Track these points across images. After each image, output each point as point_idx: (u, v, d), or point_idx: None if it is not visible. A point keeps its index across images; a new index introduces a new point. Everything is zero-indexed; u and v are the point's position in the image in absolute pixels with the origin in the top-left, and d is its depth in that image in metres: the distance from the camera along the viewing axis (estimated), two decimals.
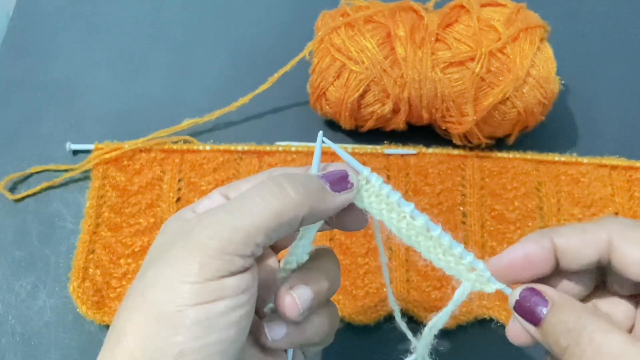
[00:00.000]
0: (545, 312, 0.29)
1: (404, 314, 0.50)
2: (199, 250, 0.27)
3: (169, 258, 0.28)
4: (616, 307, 0.32)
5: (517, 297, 0.30)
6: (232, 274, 0.28)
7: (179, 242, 0.28)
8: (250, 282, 0.29)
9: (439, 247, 0.32)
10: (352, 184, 0.33)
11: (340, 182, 0.32)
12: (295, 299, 0.31)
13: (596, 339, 0.27)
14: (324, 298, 0.33)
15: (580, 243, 0.30)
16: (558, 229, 0.32)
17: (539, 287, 0.30)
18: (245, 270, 0.28)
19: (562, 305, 0.29)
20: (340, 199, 0.32)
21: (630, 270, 0.29)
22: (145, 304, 0.27)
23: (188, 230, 0.29)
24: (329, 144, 0.34)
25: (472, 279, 0.32)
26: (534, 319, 0.30)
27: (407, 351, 0.35)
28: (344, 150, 0.35)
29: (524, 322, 0.30)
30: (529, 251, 0.31)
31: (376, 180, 0.34)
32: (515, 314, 0.30)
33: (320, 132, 0.35)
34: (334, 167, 0.34)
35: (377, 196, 0.33)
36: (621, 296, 0.32)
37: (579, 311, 0.29)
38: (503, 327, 0.32)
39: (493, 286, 0.32)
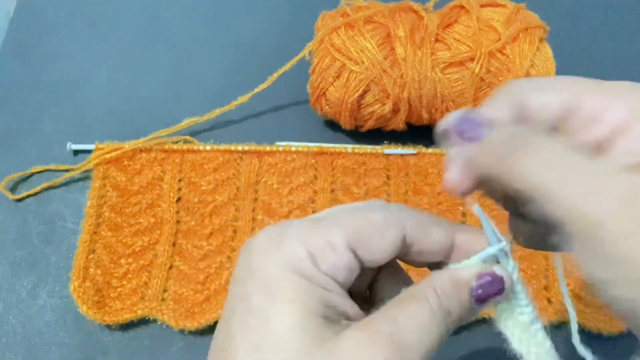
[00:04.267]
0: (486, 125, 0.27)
1: None
2: None
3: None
4: None
5: (458, 119, 0.28)
6: None
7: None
8: None
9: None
10: (502, 296, 0.28)
11: (491, 296, 0.28)
12: None
13: (542, 140, 0.25)
14: None
15: (551, 98, 0.29)
16: (524, 85, 0.30)
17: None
18: None
19: (498, 124, 0.27)
20: (480, 310, 0.28)
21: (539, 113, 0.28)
22: None
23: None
24: (480, 215, 0.30)
25: None
26: (475, 135, 0.27)
27: None
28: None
29: (463, 143, 0.28)
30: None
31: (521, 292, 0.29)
32: (455, 137, 0.28)
33: (476, 205, 0.30)
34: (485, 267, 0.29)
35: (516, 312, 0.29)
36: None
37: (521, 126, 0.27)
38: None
39: None
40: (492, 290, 0.28)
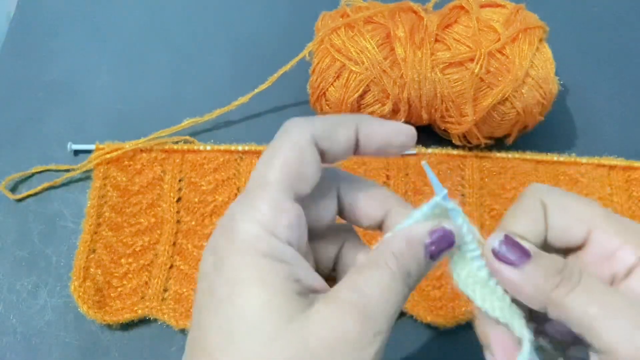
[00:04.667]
0: (529, 255, 0.30)
1: (403, 314, 0.50)
2: None
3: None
4: None
5: (496, 245, 0.30)
6: None
7: None
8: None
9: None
10: (453, 246, 0.30)
11: (443, 250, 0.30)
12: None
13: (585, 276, 0.28)
14: None
15: (530, 224, 0.31)
16: (503, 220, 0.32)
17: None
18: None
19: (545, 253, 0.30)
20: (434, 265, 0.30)
21: (556, 239, 0.31)
22: None
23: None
24: (428, 171, 0.32)
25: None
26: (518, 260, 0.29)
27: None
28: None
29: (504, 268, 0.30)
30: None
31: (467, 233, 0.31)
32: (494, 260, 0.30)
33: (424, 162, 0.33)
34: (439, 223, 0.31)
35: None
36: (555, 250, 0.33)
37: (561, 257, 0.30)
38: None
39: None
40: (444, 244, 0.30)
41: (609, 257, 0.30)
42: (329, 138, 0.31)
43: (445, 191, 0.31)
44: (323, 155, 0.31)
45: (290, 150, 0.30)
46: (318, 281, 0.29)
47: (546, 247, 0.32)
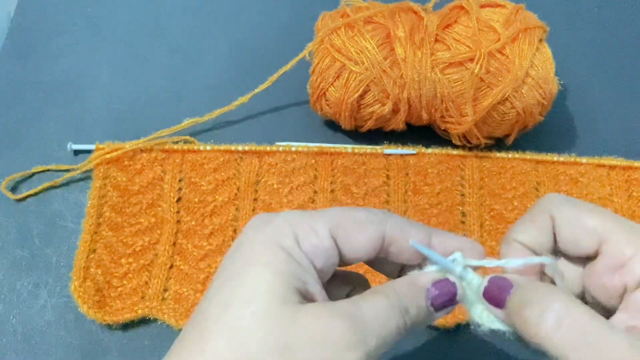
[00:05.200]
0: (510, 293, 0.31)
1: None
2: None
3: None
4: (566, 267, 0.34)
5: (486, 284, 0.32)
6: None
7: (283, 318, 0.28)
8: None
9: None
10: (457, 302, 0.32)
11: (447, 303, 0.31)
12: None
13: (555, 308, 0.28)
14: None
15: (538, 233, 0.32)
16: (516, 229, 0.33)
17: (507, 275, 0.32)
18: None
19: (523, 285, 0.31)
20: (438, 318, 0.32)
21: (567, 250, 0.32)
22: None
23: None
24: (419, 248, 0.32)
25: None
26: (500, 302, 0.31)
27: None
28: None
29: (492, 308, 0.31)
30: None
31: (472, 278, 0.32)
32: (484, 301, 0.32)
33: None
34: (440, 263, 0.32)
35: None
36: (569, 258, 0.34)
37: (538, 287, 0.30)
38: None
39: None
40: (445, 293, 0.31)
41: (621, 267, 0.30)
42: (400, 234, 0.32)
43: (459, 254, 0.32)
44: None
45: (349, 219, 0.32)
46: (322, 296, 0.30)
47: (560, 255, 0.33)
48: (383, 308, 0.29)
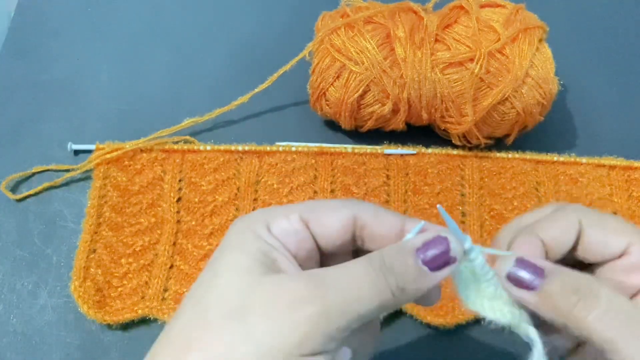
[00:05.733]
0: (543, 274, 0.30)
1: (402, 313, 0.50)
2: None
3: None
4: None
5: (514, 264, 0.30)
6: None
7: (260, 291, 0.28)
8: None
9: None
10: (455, 259, 0.29)
11: (440, 258, 0.29)
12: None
13: (603, 294, 0.29)
14: None
15: (560, 232, 0.32)
16: (534, 224, 0.33)
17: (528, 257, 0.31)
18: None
19: (562, 271, 0.30)
20: (436, 279, 0.29)
21: (591, 252, 0.32)
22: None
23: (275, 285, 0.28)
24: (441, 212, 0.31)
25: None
26: (532, 285, 0.30)
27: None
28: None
29: (518, 291, 0.30)
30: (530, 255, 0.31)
31: (476, 256, 0.30)
32: (510, 285, 0.30)
33: (439, 206, 0.32)
34: (432, 231, 0.30)
35: (475, 277, 0.31)
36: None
37: (579, 274, 0.30)
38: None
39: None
40: (437, 247, 0.29)
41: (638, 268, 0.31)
42: (374, 219, 0.33)
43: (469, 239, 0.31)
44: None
45: (321, 204, 0.33)
46: (295, 268, 0.31)
47: (571, 261, 0.33)
48: (358, 267, 0.29)
